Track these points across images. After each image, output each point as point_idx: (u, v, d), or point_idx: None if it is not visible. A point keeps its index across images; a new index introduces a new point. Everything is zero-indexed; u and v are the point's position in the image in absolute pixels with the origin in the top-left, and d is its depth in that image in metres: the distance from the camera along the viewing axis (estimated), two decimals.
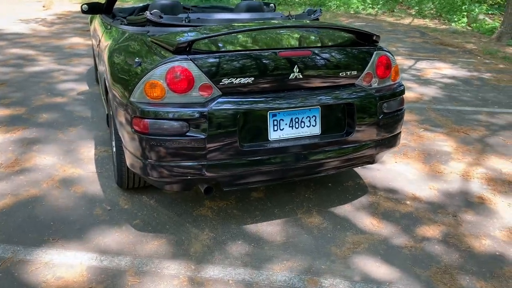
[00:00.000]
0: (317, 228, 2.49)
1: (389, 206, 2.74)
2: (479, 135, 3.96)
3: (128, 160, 2.38)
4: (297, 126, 2.32)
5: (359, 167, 3.13)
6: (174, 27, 2.62)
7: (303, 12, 3.38)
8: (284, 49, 2.31)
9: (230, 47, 2.34)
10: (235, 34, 2.42)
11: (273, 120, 2.27)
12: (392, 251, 2.32)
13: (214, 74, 2.14)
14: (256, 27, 2.46)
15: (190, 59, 2.12)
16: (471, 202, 2.83)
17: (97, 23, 4.01)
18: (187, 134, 2.12)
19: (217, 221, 2.52)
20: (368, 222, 2.56)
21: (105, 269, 2.10)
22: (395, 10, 13.80)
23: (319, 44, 2.55)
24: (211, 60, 2.15)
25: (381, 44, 2.65)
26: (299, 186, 2.93)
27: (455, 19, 11.72)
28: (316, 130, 2.37)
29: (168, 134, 2.12)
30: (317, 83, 2.36)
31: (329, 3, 14.38)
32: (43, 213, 2.53)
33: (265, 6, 3.74)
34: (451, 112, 4.55)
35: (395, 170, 3.22)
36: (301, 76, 2.29)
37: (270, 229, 2.47)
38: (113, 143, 2.77)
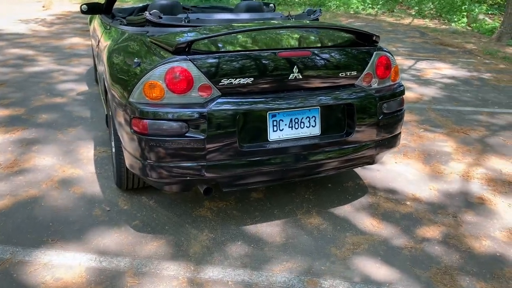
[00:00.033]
0: (317, 229, 2.49)
1: (389, 207, 2.73)
2: (479, 135, 3.95)
3: (127, 160, 2.38)
4: (296, 127, 2.32)
5: (359, 168, 3.12)
6: (173, 27, 2.61)
7: (303, 12, 3.38)
8: (284, 50, 2.30)
9: (229, 48, 2.34)
10: (234, 34, 2.41)
11: (273, 121, 2.26)
12: (392, 252, 2.31)
13: (214, 75, 2.13)
14: (255, 28, 2.46)
15: (190, 60, 2.11)
16: (471, 203, 2.82)
17: (96, 24, 4.00)
18: (187, 134, 2.11)
19: (217, 221, 2.51)
20: (368, 223, 2.55)
21: (104, 270, 2.09)
22: (395, 10, 13.80)
23: (318, 45, 2.54)
24: (211, 60, 2.14)
25: (381, 44, 2.64)
26: (299, 186, 2.92)
27: (455, 19, 11.72)
28: (316, 130, 2.36)
29: (168, 134, 2.11)
30: (316, 83, 2.35)
31: (329, 3, 14.38)
32: (42, 213, 2.52)
33: (264, 6, 3.73)
34: (451, 112, 4.55)
35: (395, 170, 3.22)
36: (300, 77, 2.28)
37: (269, 230, 2.46)
38: (113, 144, 2.77)
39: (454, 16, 11.97)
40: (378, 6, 14.02)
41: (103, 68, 2.87)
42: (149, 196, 2.74)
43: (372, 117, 2.44)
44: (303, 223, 2.53)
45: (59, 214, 2.52)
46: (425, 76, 6.01)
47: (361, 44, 2.53)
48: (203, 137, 2.12)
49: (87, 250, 2.23)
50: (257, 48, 2.34)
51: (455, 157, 3.48)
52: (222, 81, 2.14)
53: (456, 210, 2.73)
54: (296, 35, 2.65)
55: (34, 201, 2.64)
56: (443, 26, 11.16)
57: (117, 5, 7.79)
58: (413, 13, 13.29)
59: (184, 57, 2.11)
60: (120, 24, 3.11)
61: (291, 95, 2.29)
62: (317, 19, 3.23)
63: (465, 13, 11.97)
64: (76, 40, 7.70)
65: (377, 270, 2.17)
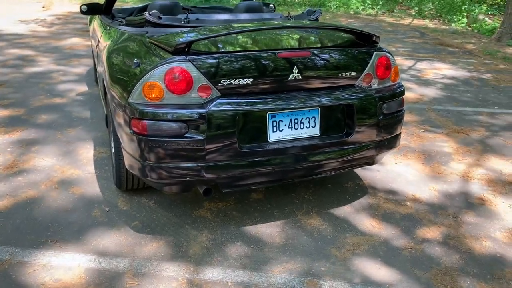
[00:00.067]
0: (317, 229, 2.48)
1: (389, 208, 2.73)
2: (479, 135, 3.95)
3: (127, 161, 2.37)
4: (296, 127, 2.31)
5: (359, 168, 3.12)
6: (173, 28, 2.61)
7: (303, 12, 3.38)
8: (284, 50, 2.30)
9: (229, 48, 2.33)
10: (234, 34, 2.41)
11: (272, 121, 2.26)
12: (392, 252, 2.31)
13: (213, 75, 2.13)
14: (255, 28, 2.45)
15: (189, 60, 2.11)
16: (472, 203, 2.82)
17: (96, 24, 4.00)
18: (186, 135, 2.11)
19: (216, 222, 2.51)
20: (368, 224, 2.55)
21: (103, 271, 2.09)
22: (395, 11, 13.80)
23: (318, 45, 2.54)
24: (210, 61, 2.14)
25: (380, 44, 2.64)
26: (299, 187, 2.92)
27: (455, 20, 11.72)
28: (316, 131, 2.36)
29: (167, 135, 2.11)
30: (316, 84, 2.35)
31: (329, 4, 14.38)
32: (41, 214, 2.52)
33: (264, 7, 3.73)
34: (451, 112, 4.54)
35: (395, 171, 3.21)
36: (300, 77, 2.28)
37: (269, 230, 2.46)
38: (112, 144, 2.76)
39: (454, 17, 11.97)
40: (378, 7, 14.02)
41: (102, 68, 2.87)
42: (148, 197, 2.73)
43: (372, 117, 2.43)
44: (303, 224, 2.53)
45: (58, 215, 2.52)
46: (425, 76, 6.01)
47: (361, 45, 2.53)
48: (202, 138, 2.11)
49: (86, 251, 2.23)
50: (256, 48, 2.34)
51: (455, 157, 3.47)
52: (221, 81, 2.14)
53: (456, 211, 2.72)
54: (296, 36, 2.64)
55: (33, 202, 2.64)
56: (443, 27, 11.16)
57: (117, 5, 7.79)
58: (413, 13, 13.29)
59: (184, 57, 2.11)
60: (120, 25, 3.10)
61: (291, 96, 2.29)
62: (317, 20, 3.22)
63: (465, 14, 11.97)
64: (76, 40, 7.70)
65: (377, 271, 2.17)
